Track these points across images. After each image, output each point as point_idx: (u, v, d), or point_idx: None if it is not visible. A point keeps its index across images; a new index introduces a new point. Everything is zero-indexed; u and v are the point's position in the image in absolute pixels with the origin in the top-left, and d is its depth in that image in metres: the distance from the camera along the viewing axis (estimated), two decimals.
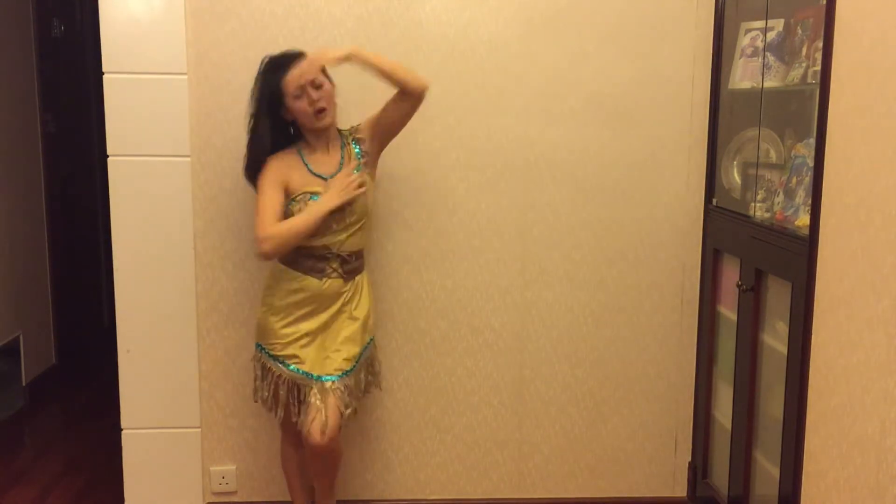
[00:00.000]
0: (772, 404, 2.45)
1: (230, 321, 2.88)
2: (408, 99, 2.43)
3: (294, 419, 2.53)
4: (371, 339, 2.64)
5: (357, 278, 2.55)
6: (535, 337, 2.96)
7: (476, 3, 2.77)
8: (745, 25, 2.68)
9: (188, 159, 2.78)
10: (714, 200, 2.86)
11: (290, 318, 2.49)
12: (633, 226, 2.92)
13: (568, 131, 2.85)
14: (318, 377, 2.47)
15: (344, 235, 2.46)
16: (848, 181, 1.96)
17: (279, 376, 2.50)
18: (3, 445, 3.61)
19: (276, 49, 2.73)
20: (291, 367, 2.48)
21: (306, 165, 2.47)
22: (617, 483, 3.06)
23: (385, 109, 2.48)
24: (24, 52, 4.16)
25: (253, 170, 2.48)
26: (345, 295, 2.51)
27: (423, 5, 2.76)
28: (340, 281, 2.49)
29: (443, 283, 2.90)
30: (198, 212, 2.81)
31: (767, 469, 2.45)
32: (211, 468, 2.96)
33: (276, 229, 2.36)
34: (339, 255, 2.47)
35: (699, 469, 2.98)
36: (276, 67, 2.42)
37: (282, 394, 2.51)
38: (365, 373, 2.63)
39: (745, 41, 2.67)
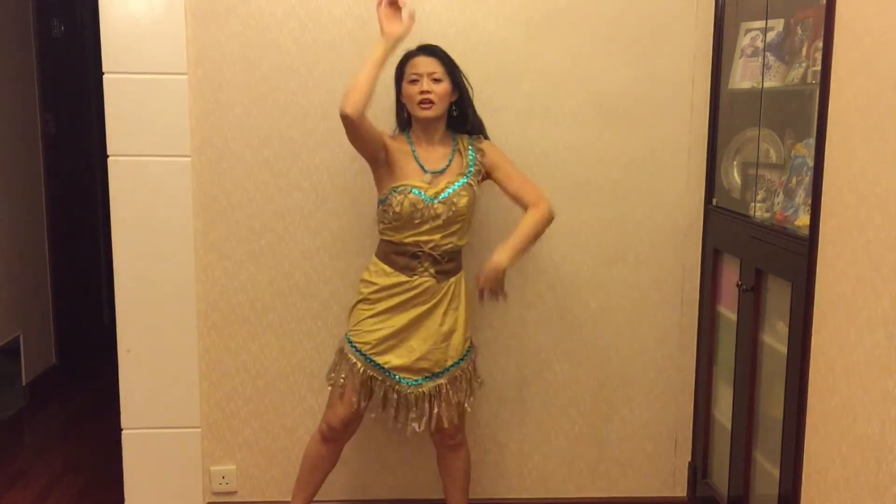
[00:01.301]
0: (772, 404, 2.45)
1: (230, 321, 2.88)
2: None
3: (358, 409, 2.51)
4: (465, 354, 2.56)
5: (452, 280, 2.51)
6: (535, 337, 2.96)
7: (476, 3, 2.77)
8: (745, 25, 2.68)
9: (188, 159, 2.78)
10: (714, 200, 2.86)
11: (379, 310, 2.48)
12: (633, 226, 2.92)
13: (568, 131, 2.85)
14: (399, 378, 2.49)
15: (438, 236, 2.45)
16: (848, 181, 1.96)
17: (354, 364, 2.49)
18: (3, 445, 3.61)
19: (276, 49, 2.75)
20: (369, 358, 2.48)
21: (413, 151, 2.49)
22: (617, 483, 3.06)
23: (506, 187, 2.55)
24: (24, 52, 4.17)
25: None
26: (437, 297, 2.48)
27: (423, 5, 2.76)
28: (433, 281, 2.47)
29: None
30: (198, 212, 2.81)
31: (767, 469, 2.45)
32: (211, 468, 2.96)
33: (346, 87, 2.34)
34: (430, 255, 2.46)
35: (699, 469, 2.98)
36: (418, 49, 2.47)
37: (354, 381, 2.49)
38: (453, 389, 2.54)
39: (745, 41, 2.67)
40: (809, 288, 2.11)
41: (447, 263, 2.50)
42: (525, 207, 2.51)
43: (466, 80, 2.53)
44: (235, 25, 2.74)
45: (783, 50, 2.48)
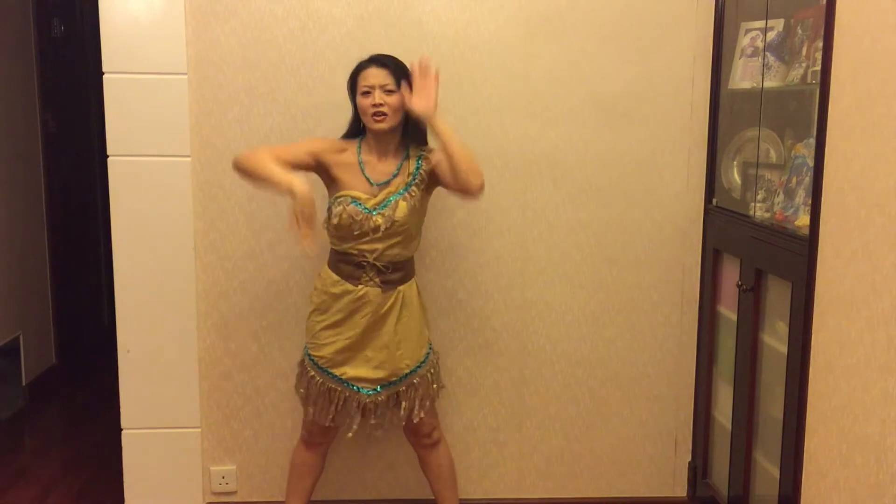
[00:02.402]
0: (772, 404, 2.45)
1: (230, 321, 2.88)
2: (458, 186, 2.40)
3: (325, 423, 2.53)
4: (423, 361, 2.56)
5: (401, 290, 2.49)
6: (535, 337, 2.96)
7: (476, 3, 2.77)
8: (745, 25, 2.68)
9: (188, 159, 2.78)
10: (714, 200, 2.86)
11: (332, 321, 2.48)
12: (633, 226, 2.92)
13: (568, 131, 2.85)
14: (357, 388, 2.50)
15: (380, 246, 2.43)
16: (848, 181, 1.96)
17: (312, 377, 2.51)
18: (3, 445, 3.61)
19: (276, 49, 2.75)
20: (326, 371, 2.50)
21: (360, 163, 2.47)
22: (617, 483, 3.06)
23: (441, 168, 2.44)
24: (24, 52, 4.16)
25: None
26: (387, 306, 2.47)
27: (423, 5, 2.76)
28: (378, 290, 2.46)
29: (443, 283, 2.90)
30: (198, 212, 2.81)
31: (767, 469, 2.45)
32: (211, 468, 2.96)
33: (248, 153, 2.39)
34: (374, 265, 2.45)
35: (699, 469, 2.99)
36: (369, 59, 2.44)
37: (313, 394, 2.52)
38: (413, 394, 2.55)
39: (745, 41, 2.67)
40: (809, 288, 2.11)
41: (392, 273, 2.47)
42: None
43: None
44: (235, 25, 2.74)
45: (783, 50, 2.48)
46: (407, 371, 2.53)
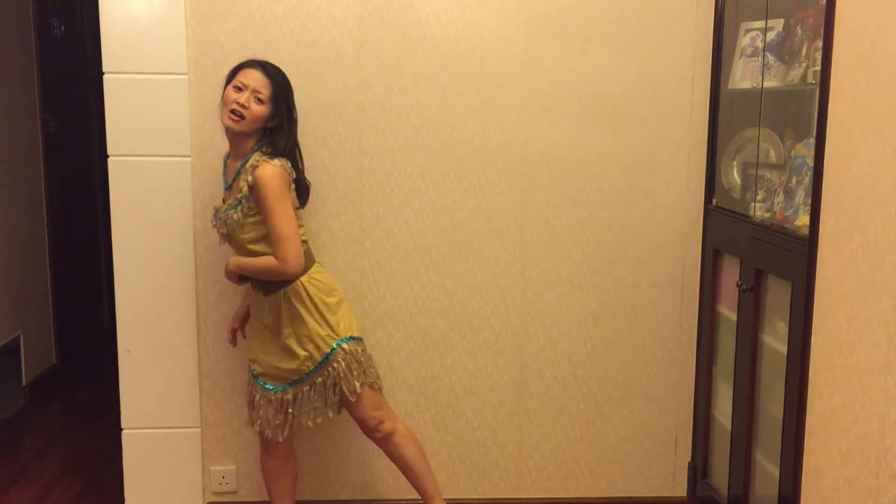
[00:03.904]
0: (772, 404, 2.45)
1: (230, 321, 2.88)
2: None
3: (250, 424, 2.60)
4: (324, 360, 2.47)
5: (279, 294, 2.43)
6: (535, 337, 2.96)
7: (476, 4, 2.77)
8: (744, 25, 2.68)
9: (188, 159, 2.78)
10: (714, 200, 2.86)
11: (252, 321, 2.60)
12: (633, 226, 2.92)
13: (568, 131, 2.85)
14: (265, 384, 2.53)
15: (235, 250, 2.51)
16: (848, 181, 1.96)
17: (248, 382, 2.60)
18: (3, 445, 3.61)
19: (276, 49, 2.75)
20: (250, 368, 2.58)
21: (224, 163, 2.54)
22: (617, 483, 3.06)
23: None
24: (24, 52, 4.16)
25: None
26: (277, 310, 2.47)
27: (424, 5, 2.76)
28: (261, 293, 2.49)
29: (443, 283, 2.90)
30: (198, 212, 2.81)
31: (767, 469, 2.45)
32: (211, 468, 2.96)
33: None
34: None
35: (699, 469, 2.99)
36: (259, 62, 2.45)
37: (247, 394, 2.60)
38: (315, 394, 2.50)
39: (744, 41, 2.67)
40: (809, 288, 2.11)
41: (250, 280, 2.50)
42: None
43: (294, 111, 2.48)
44: (235, 25, 2.74)
45: (783, 50, 2.48)
46: (308, 371, 2.48)
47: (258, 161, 2.36)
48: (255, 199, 2.36)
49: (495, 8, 2.78)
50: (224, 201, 2.50)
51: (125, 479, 2.92)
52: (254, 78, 2.39)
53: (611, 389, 3.01)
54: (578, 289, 2.94)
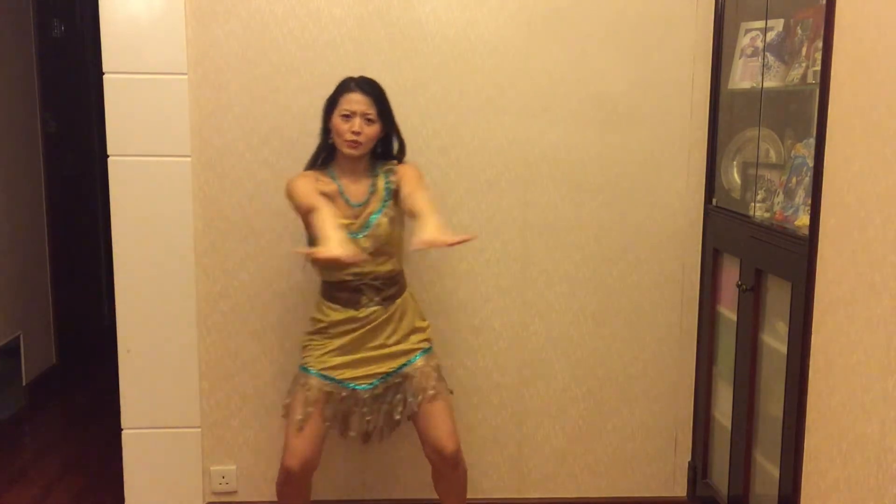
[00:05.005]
0: (772, 404, 2.45)
1: (230, 321, 2.88)
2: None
3: (315, 443, 2.48)
4: (419, 355, 2.53)
5: (398, 302, 2.51)
6: (535, 337, 2.96)
7: (476, 4, 2.77)
8: (745, 25, 2.68)
9: (188, 159, 2.78)
10: (714, 200, 2.86)
11: (336, 345, 2.48)
12: (633, 226, 2.92)
13: (568, 131, 2.85)
14: (355, 385, 2.49)
15: (372, 266, 2.45)
16: (848, 181, 1.96)
17: (312, 389, 2.46)
18: (3, 445, 3.61)
19: (276, 49, 2.75)
20: (325, 376, 2.47)
21: (339, 188, 2.47)
22: (617, 483, 3.06)
23: (405, 202, 2.39)
24: (24, 52, 4.16)
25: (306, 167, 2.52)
26: (381, 320, 2.48)
27: (424, 5, 2.76)
28: (380, 308, 2.48)
29: (443, 283, 2.90)
30: (198, 212, 2.81)
31: (767, 469, 2.45)
32: (211, 468, 2.96)
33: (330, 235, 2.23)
34: (371, 285, 2.46)
35: (699, 469, 2.99)
36: (356, 84, 2.44)
37: (304, 403, 2.46)
38: (409, 386, 2.52)
39: (744, 41, 2.67)
40: (809, 288, 2.11)
41: (390, 289, 2.50)
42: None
43: (393, 116, 2.49)
44: (235, 25, 2.74)
45: (783, 50, 2.49)
46: (399, 365, 2.51)
47: (392, 166, 2.50)
48: (397, 197, 2.46)
49: (495, 8, 2.78)
50: (354, 220, 2.43)
51: (125, 479, 2.92)
52: (357, 101, 2.40)
53: (611, 389, 3.01)
54: (578, 288, 2.94)
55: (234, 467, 2.96)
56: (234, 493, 2.98)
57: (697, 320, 2.97)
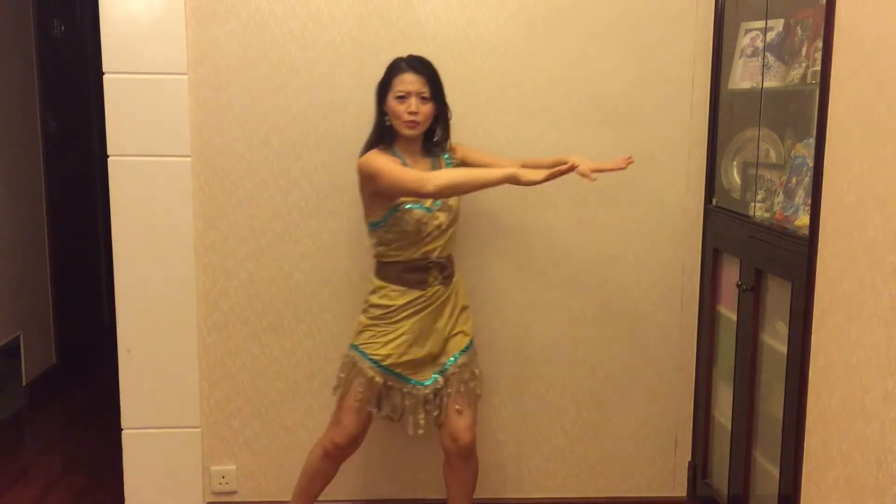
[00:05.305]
0: (772, 404, 2.45)
1: (230, 321, 2.88)
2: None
3: (363, 424, 2.55)
4: (464, 349, 2.58)
5: (454, 282, 2.57)
6: (535, 337, 2.96)
7: (476, 4, 2.77)
8: (744, 25, 2.68)
9: (188, 159, 2.78)
10: (714, 200, 2.86)
11: (400, 331, 2.48)
12: (633, 226, 2.92)
13: (568, 131, 2.85)
14: (415, 381, 2.51)
15: (442, 242, 2.48)
16: (848, 181, 1.96)
17: (372, 378, 2.48)
18: (3, 445, 3.61)
19: (276, 49, 2.75)
20: (388, 370, 2.49)
21: (406, 167, 2.46)
22: (617, 483, 3.06)
23: (477, 163, 2.59)
24: (24, 52, 4.16)
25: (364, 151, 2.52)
26: (442, 300, 2.51)
27: (424, 5, 2.76)
28: (441, 287, 2.51)
29: None
30: (198, 212, 2.81)
31: (767, 469, 2.45)
32: (211, 468, 2.96)
33: (443, 173, 2.36)
34: (437, 263, 2.49)
35: (699, 469, 2.99)
36: (407, 63, 2.45)
37: (368, 395, 2.50)
38: (454, 384, 2.56)
39: (744, 41, 2.67)
40: (809, 288, 2.11)
41: (450, 267, 2.55)
42: None
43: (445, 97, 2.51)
44: (235, 25, 2.74)
45: (783, 50, 2.48)
46: (449, 360, 2.54)
47: (445, 144, 2.57)
48: (460, 160, 2.59)
49: (495, 8, 2.78)
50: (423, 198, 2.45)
51: (125, 479, 2.92)
52: (411, 81, 2.42)
53: (611, 389, 3.01)
54: (578, 289, 2.94)
55: (234, 467, 2.96)
56: (234, 493, 2.98)
57: (697, 320, 2.97)
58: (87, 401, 4.10)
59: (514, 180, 2.27)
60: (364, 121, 2.75)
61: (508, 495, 3.05)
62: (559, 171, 2.22)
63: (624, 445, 3.04)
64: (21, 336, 4.02)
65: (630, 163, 2.42)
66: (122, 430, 2.89)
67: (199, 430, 2.92)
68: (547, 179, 2.23)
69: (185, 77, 2.73)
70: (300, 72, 2.77)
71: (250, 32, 2.75)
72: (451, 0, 2.77)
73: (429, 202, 2.43)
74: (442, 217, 2.46)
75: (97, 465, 3.35)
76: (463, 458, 2.60)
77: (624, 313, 2.96)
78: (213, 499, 2.98)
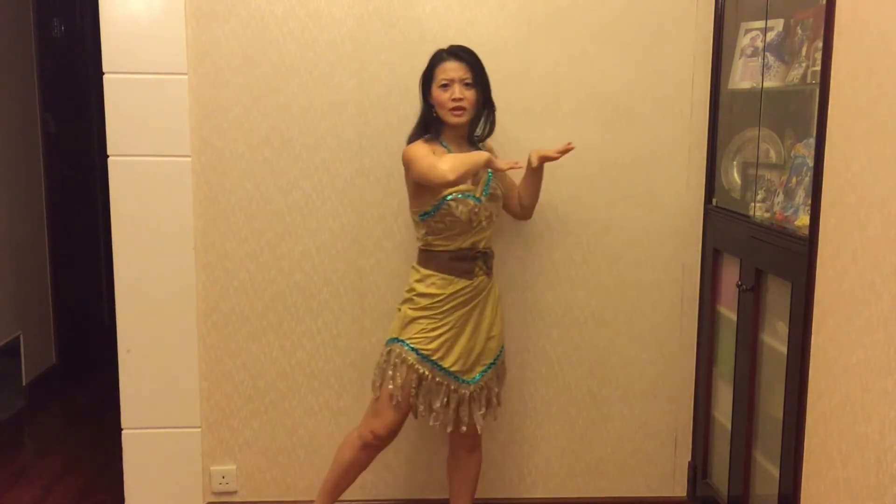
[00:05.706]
0: (772, 404, 2.45)
1: (230, 321, 2.88)
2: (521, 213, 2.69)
3: (403, 417, 2.54)
4: (500, 352, 2.63)
5: (494, 272, 2.60)
6: (535, 337, 2.96)
7: (476, 3, 2.77)
8: (744, 25, 2.68)
9: (188, 159, 2.78)
10: (714, 200, 2.86)
11: (447, 322, 2.48)
12: (632, 226, 2.92)
13: (568, 131, 2.84)
14: (461, 378, 2.51)
15: (489, 231, 2.51)
16: (848, 181, 1.96)
17: (419, 370, 2.47)
18: (3, 445, 3.61)
19: (276, 49, 2.75)
20: (436, 364, 2.48)
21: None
22: (617, 483, 3.06)
23: (511, 191, 2.65)
24: (24, 52, 4.17)
25: (410, 142, 2.53)
26: (484, 292, 2.53)
27: (424, 5, 2.76)
28: (485, 278, 2.52)
29: None
30: (198, 212, 2.81)
31: (767, 469, 2.45)
32: (211, 468, 2.96)
33: (452, 159, 2.36)
34: (483, 253, 2.51)
35: (699, 469, 2.99)
36: (447, 52, 2.47)
37: (410, 387, 2.48)
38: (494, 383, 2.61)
39: (744, 41, 2.67)
40: (809, 288, 2.11)
41: (492, 258, 2.57)
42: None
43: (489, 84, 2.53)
44: (235, 25, 2.74)
45: (783, 50, 2.48)
46: (491, 360, 2.57)
47: (489, 146, 2.62)
48: None
49: (495, 8, 2.78)
50: (473, 186, 2.47)
51: (125, 479, 2.92)
52: (453, 69, 2.44)
53: (611, 389, 3.01)
54: (578, 289, 2.94)
55: (234, 467, 2.96)
56: (234, 493, 2.98)
57: (697, 320, 2.97)
58: (87, 401, 4.10)
59: (489, 165, 2.39)
60: (364, 121, 2.75)
61: (508, 495, 3.05)
62: (515, 167, 2.42)
63: (624, 445, 3.04)
64: (21, 336, 4.02)
65: (570, 149, 2.51)
66: (122, 430, 2.89)
67: (199, 430, 2.92)
68: (506, 170, 2.43)
69: (185, 77, 2.73)
70: (300, 72, 2.77)
71: (250, 32, 2.75)
72: (451, 0, 2.76)
73: (477, 192, 2.46)
74: (490, 206, 2.49)
75: (97, 465, 3.35)
76: (468, 450, 2.62)
77: (624, 313, 2.96)
78: (213, 499, 2.98)
